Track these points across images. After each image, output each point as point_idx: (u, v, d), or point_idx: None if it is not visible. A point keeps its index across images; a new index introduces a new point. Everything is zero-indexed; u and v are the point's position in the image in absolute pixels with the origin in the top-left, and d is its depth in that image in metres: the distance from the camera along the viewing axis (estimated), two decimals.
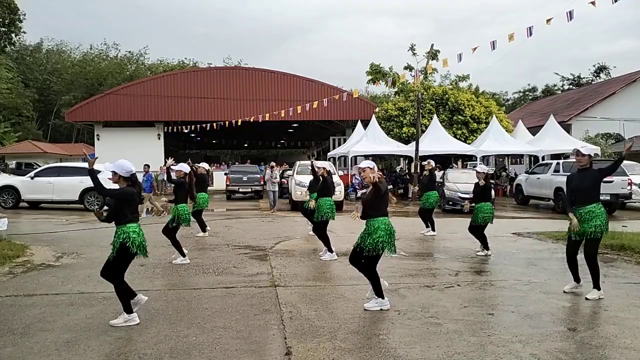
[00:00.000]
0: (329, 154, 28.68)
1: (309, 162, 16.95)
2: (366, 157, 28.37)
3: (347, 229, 11.45)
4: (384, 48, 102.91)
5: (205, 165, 12.28)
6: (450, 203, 16.99)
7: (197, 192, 10.15)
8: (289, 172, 22.56)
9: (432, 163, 12.18)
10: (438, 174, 20.80)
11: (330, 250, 8.86)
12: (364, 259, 5.70)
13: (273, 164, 19.25)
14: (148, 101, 30.75)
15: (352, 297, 6.29)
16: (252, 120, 27.54)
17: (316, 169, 9.67)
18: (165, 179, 12.06)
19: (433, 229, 11.61)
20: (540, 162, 22.04)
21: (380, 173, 5.92)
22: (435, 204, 11.78)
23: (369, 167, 5.75)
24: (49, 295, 6.41)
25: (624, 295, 6.44)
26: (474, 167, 16.14)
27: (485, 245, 9.17)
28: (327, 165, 10.11)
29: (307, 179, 12.67)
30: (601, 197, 6.37)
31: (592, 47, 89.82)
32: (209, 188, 12.81)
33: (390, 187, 23.75)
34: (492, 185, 9.62)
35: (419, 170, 22.73)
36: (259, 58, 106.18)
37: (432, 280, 7.26)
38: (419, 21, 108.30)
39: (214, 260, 8.72)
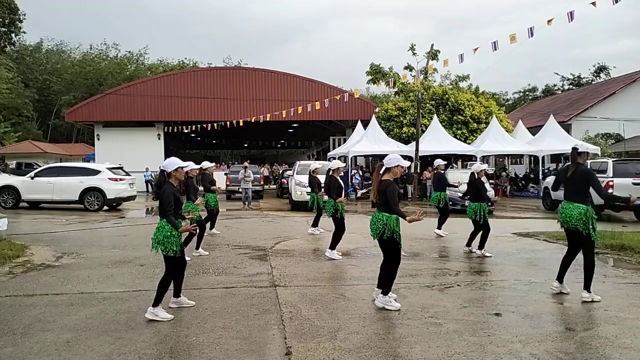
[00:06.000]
0: (329, 154, 28.66)
1: (309, 162, 17.08)
2: (366, 157, 28.47)
3: (347, 229, 11.41)
4: (384, 48, 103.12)
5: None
6: (451, 203, 16.96)
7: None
8: (289, 172, 22.54)
9: (442, 165, 12.63)
10: None
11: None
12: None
13: (246, 164, 20.71)
14: (148, 101, 30.73)
15: (352, 297, 6.29)
16: (252, 120, 27.53)
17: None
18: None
19: (439, 227, 11.97)
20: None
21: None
22: (438, 202, 12.23)
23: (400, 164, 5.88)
24: (49, 295, 6.41)
25: (624, 295, 6.45)
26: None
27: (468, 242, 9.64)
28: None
29: (307, 178, 12.75)
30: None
31: (592, 47, 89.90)
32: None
33: None
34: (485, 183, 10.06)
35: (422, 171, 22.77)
36: (259, 58, 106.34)
37: (432, 280, 7.26)
38: (419, 21, 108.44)
39: (214, 260, 8.72)
